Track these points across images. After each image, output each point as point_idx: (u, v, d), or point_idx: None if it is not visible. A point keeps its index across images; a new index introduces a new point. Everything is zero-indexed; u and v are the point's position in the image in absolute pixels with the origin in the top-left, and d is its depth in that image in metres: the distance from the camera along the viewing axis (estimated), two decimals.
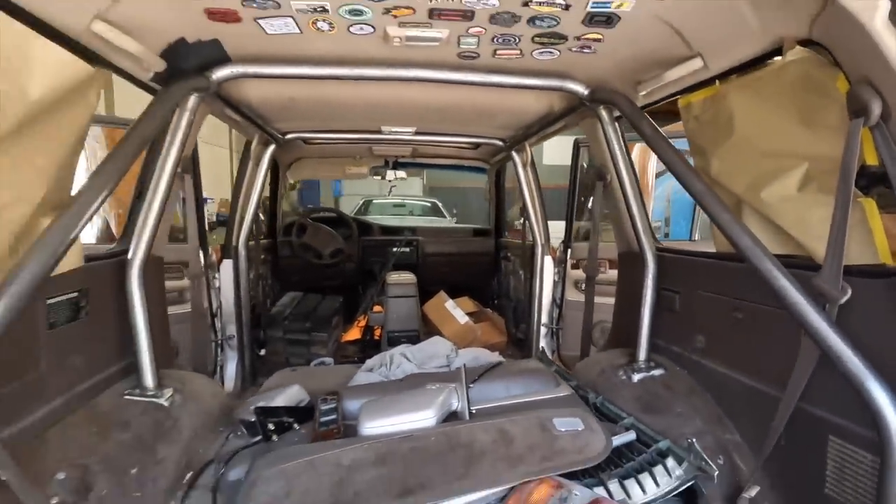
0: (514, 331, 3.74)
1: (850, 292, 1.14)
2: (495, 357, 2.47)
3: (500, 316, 4.03)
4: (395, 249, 4.30)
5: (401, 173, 4.62)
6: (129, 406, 1.57)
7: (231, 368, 2.88)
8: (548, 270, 3.20)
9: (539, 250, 3.19)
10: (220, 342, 2.77)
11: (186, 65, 1.65)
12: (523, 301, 3.51)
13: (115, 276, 1.69)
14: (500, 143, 3.22)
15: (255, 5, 1.40)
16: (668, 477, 1.43)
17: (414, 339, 3.18)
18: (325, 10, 1.44)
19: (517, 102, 2.37)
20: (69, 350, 1.46)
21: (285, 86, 2.10)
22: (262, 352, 3.35)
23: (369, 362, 2.51)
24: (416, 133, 3.01)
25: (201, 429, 1.72)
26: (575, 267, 3.19)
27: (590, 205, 3.25)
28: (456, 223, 7.58)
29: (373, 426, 1.53)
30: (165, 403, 1.62)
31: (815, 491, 1.30)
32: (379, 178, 4.65)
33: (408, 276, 3.73)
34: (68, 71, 1.13)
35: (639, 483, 1.42)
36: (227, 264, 2.83)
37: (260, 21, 1.50)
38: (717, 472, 1.41)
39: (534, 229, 3.22)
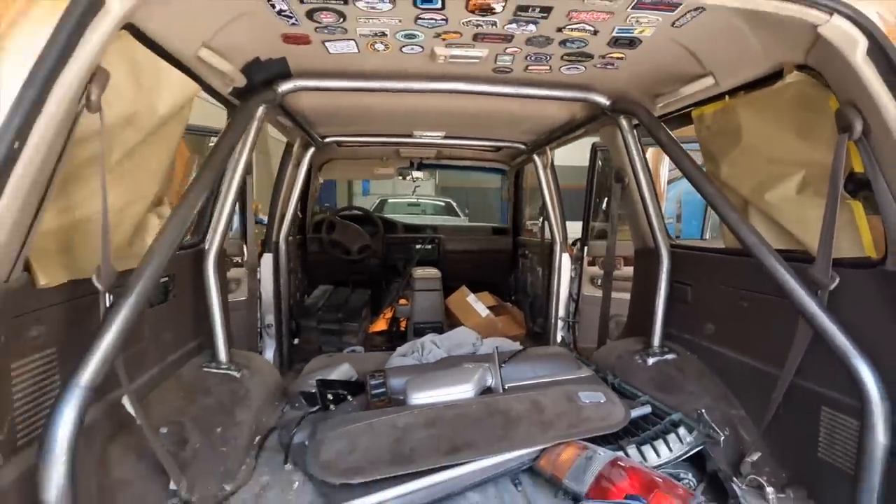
0: (531, 324, 3.94)
1: (837, 280, 1.33)
2: (517, 346, 2.69)
3: (519, 310, 4.24)
4: (418, 246, 4.52)
5: (419, 174, 4.87)
6: (208, 377, 1.81)
7: (269, 354, 3.11)
8: (565, 267, 3.40)
9: (557, 248, 3.39)
10: (259, 330, 3.00)
11: (258, 80, 1.88)
12: (541, 296, 3.71)
13: (192, 265, 1.92)
14: (522, 146, 3.42)
15: (326, 32, 1.62)
16: (679, 443, 1.63)
17: (438, 331, 3.39)
18: (384, 35, 1.67)
19: (542, 111, 2.58)
20: (161, 326, 1.70)
21: (334, 96, 2.33)
22: (296, 340, 3.58)
23: (401, 349, 2.73)
24: (445, 137, 3.23)
25: (265, 399, 1.96)
26: (591, 264, 3.39)
27: (603, 206, 3.46)
28: (468, 221, 7.81)
29: (420, 397, 1.76)
30: (237, 375, 1.86)
31: (810, 455, 1.50)
32: (402, 178, 4.90)
33: (433, 271, 3.95)
34: (186, 91, 1.36)
35: (654, 448, 1.63)
36: (267, 258, 3.06)
37: (326, 43, 1.72)
38: (722, 438, 1.61)
39: (552, 228, 3.42)
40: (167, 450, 1.40)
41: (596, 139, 3.30)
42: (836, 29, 1.10)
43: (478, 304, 3.90)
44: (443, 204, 9.14)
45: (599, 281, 3.33)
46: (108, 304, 1.12)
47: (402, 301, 4.03)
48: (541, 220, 3.74)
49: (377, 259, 4.44)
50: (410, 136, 3.19)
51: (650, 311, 2.18)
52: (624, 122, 2.21)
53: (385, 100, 2.43)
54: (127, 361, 1.32)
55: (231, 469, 1.56)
